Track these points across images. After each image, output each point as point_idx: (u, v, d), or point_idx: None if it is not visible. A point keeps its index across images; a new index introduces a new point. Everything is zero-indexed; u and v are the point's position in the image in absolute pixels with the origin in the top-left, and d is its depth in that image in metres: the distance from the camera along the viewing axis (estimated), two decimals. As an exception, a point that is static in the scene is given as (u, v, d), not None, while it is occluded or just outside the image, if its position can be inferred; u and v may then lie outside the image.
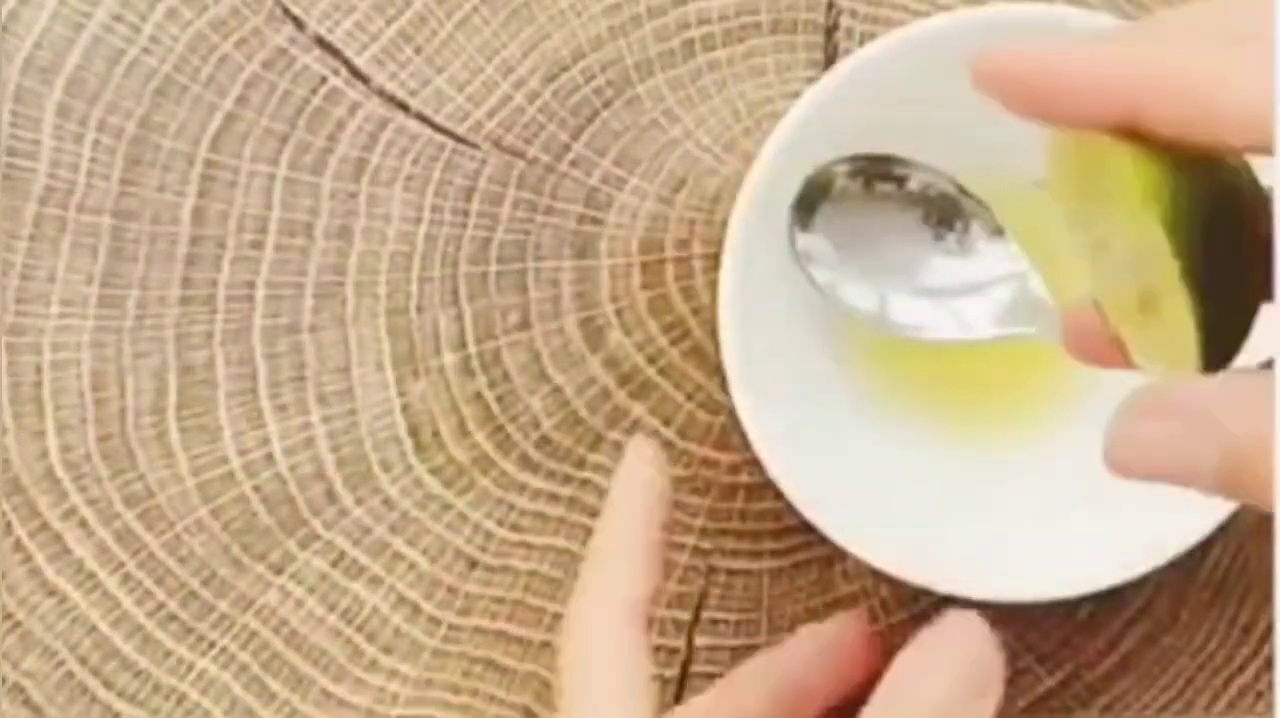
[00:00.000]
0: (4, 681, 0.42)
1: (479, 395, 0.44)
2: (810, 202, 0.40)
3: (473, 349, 0.44)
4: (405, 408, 0.44)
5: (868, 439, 0.43)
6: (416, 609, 0.43)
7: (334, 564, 0.43)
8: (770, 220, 0.40)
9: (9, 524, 0.43)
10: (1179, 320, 0.24)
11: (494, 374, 0.44)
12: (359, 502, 0.43)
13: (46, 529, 0.43)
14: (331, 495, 0.43)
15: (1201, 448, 0.23)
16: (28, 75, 0.43)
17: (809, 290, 0.41)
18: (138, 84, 0.43)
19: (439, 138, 0.44)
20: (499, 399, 0.44)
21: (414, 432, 0.44)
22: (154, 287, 0.43)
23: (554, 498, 0.44)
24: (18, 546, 0.43)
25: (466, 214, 0.44)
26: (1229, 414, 0.23)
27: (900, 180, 0.40)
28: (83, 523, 0.43)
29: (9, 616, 0.43)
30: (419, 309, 0.44)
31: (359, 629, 0.43)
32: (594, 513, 0.43)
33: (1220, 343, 0.24)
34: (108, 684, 0.43)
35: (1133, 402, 0.24)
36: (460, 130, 0.44)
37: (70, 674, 0.43)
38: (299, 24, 0.44)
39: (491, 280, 0.44)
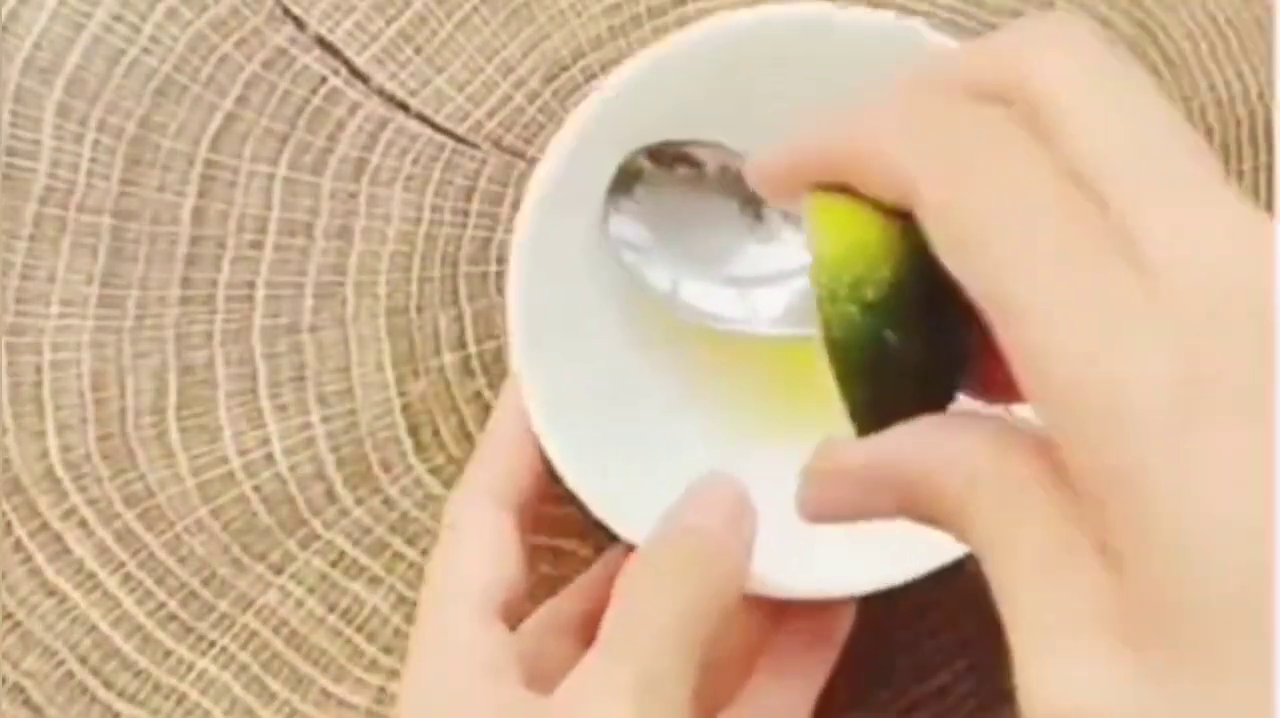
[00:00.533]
0: (4, 681, 0.42)
1: (479, 395, 0.44)
2: (626, 186, 0.40)
3: (473, 349, 0.44)
4: (405, 408, 0.44)
5: (683, 438, 0.42)
6: (417, 609, 0.43)
7: (334, 564, 0.43)
8: (570, 214, 0.40)
9: (9, 524, 0.43)
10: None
11: (494, 374, 0.44)
12: (359, 502, 0.43)
13: (46, 529, 0.43)
14: (331, 495, 0.43)
15: (876, 499, 0.26)
16: (28, 75, 0.43)
17: (620, 287, 0.40)
18: (138, 84, 0.43)
19: (439, 138, 0.44)
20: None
21: (414, 432, 0.44)
22: (154, 287, 0.43)
23: (553, 498, 0.44)
24: (18, 546, 0.43)
25: (466, 214, 0.44)
26: (899, 468, 0.25)
27: (698, 164, 0.40)
28: (83, 523, 0.43)
29: (9, 616, 0.43)
30: (419, 309, 0.44)
31: (359, 629, 0.43)
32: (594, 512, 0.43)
33: (885, 404, 0.25)
34: (108, 684, 0.43)
35: (808, 467, 0.27)
36: (460, 130, 0.44)
37: (70, 674, 0.43)
38: (299, 24, 0.44)
39: (491, 280, 0.44)
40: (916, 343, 0.25)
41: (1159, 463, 0.21)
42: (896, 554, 0.38)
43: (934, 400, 0.25)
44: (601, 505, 0.39)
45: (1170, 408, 0.21)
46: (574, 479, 0.39)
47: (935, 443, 0.25)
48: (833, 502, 0.27)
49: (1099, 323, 0.22)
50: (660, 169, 0.40)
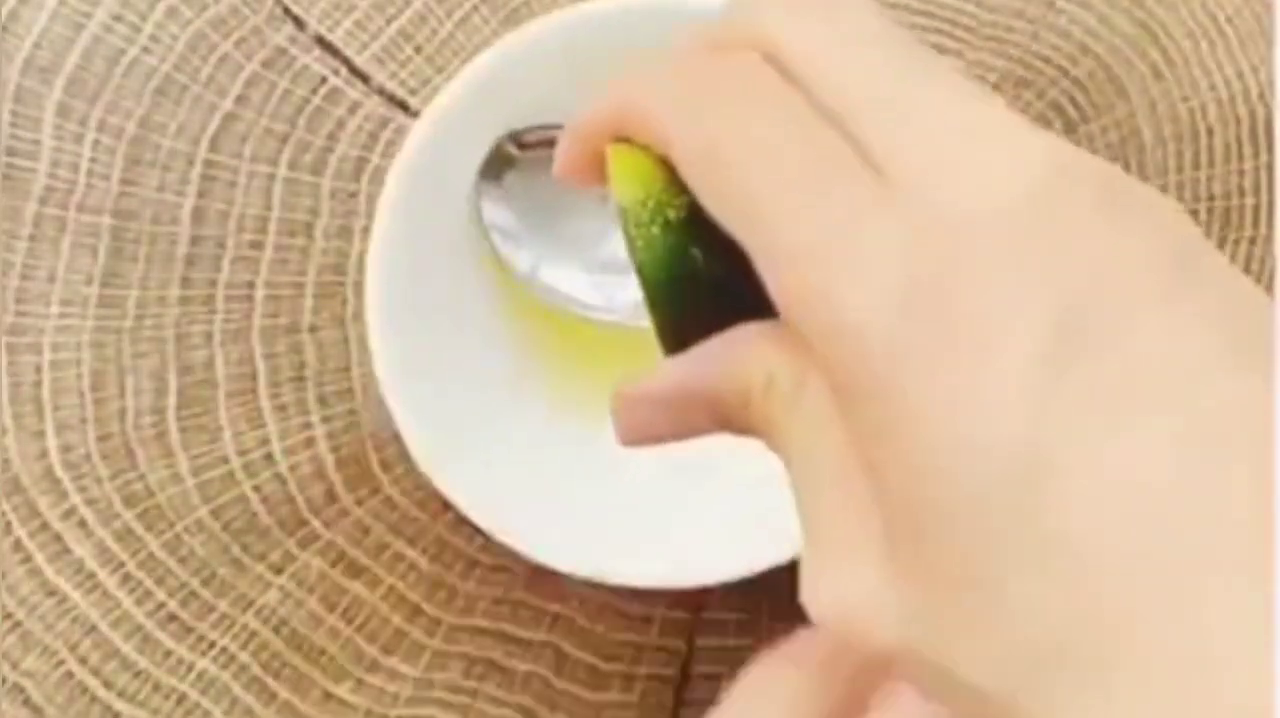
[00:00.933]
0: (4, 681, 0.42)
1: (479, 395, 0.44)
2: (496, 171, 0.40)
3: (473, 349, 0.44)
4: (405, 408, 0.43)
5: (548, 437, 0.42)
6: (417, 609, 0.43)
7: (334, 564, 0.43)
8: (433, 203, 0.40)
9: (9, 524, 0.43)
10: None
11: (494, 374, 0.44)
12: (359, 502, 0.43)
13: (46, 529, 0.43)
14: (331, 495, 0.43)
15: (691, 417, 0.26)
16: (28, 75, 0.43)
17: (485, 279, 0.41)
18: (138, 84, 0.43)
19: (439, 137, 0.44)
20: (499, 399, 0.44)
21: (414, 431, 0.43)
22: (154, 286, 0.43)
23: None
24: (18, 546, 0.43)
25: (466, 214, 0.44)
26: (706, 381, 0.25)
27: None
28: (82, 523, 0.43)
29: (9, 616, 0.43)
30: (419, 309, 0.44)
31: (359, 630, 0.43)
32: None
33: (697, 325, 0.26)
34: (107, 684, 0.43)
35: (618, 393, 0.27)
36: (460, 130, 0.44)
37: (70, 674, 0.43)
38: (299, 23, 0.44)
39: (491, 280, 0.44)
40: (722, 260, 0.25)
41: (892, 378, 0.21)
42: (757, 543, 0.39)
43: (746, 319, 0.26)
44: (474, 505, 0.40)
45: (895, 320, 0.21)
46: (435, 474, 0.40)
47: (736, 352, 0.25)
48: (649, 425, 0.27)
49: (835, 238, 0.22)
50: (528, 154, 0.40)
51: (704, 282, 0.25)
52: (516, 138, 0.40)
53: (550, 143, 0.40)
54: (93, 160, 0.43)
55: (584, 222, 0.41)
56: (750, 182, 0.23)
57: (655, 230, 0.25)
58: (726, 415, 0.25)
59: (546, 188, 0.40)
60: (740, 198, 0.23)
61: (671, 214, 0.25)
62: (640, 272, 0.26)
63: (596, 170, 0.27)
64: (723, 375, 0.25)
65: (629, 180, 0.26)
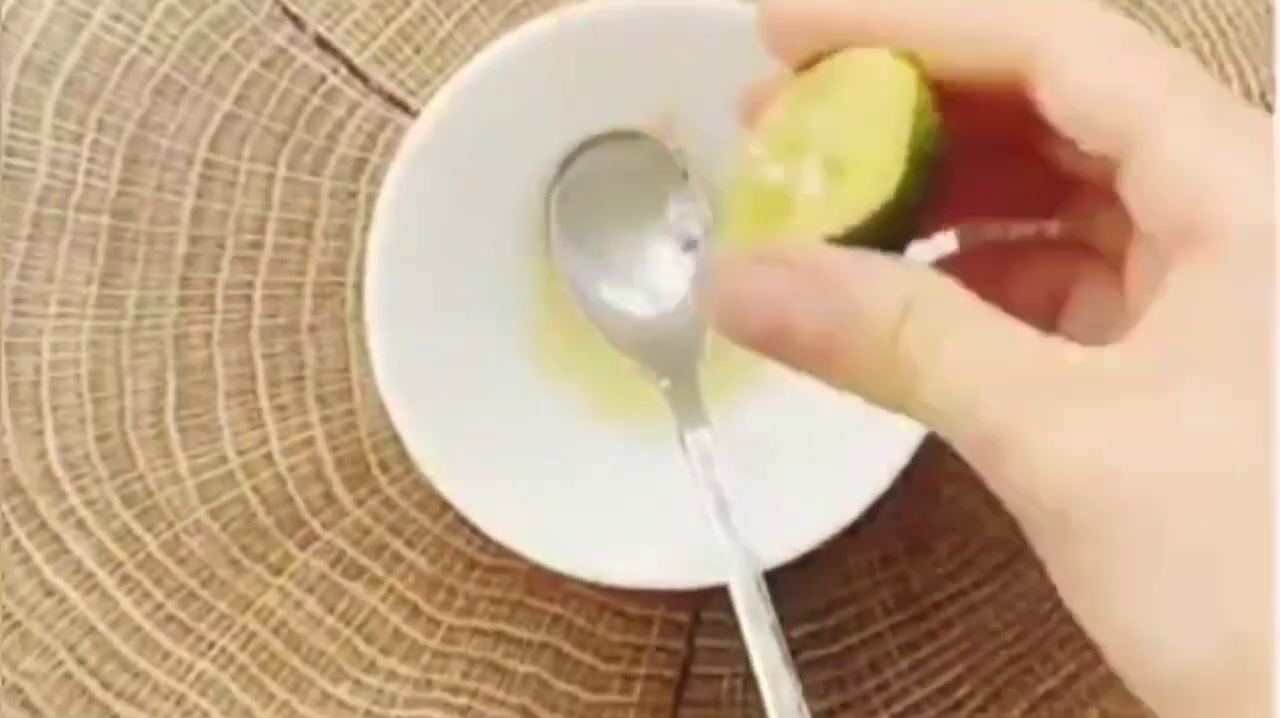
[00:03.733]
0: (3, 681, 0.42)
1: (478, 395, 0.44)
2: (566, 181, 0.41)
3: (472, 349, 0.44)
4: (404, 408, 0.43)
5: (548, 437, 0.42)
6: (416, 610, 0.43)
7: (333, 565, 0.43)
8: (427, 211, 0.40)
9: (8, 524, 0.43)
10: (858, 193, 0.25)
11: (493, 374, 0.44)
12: (358, 502, 0.43)
13: (45, 529, 0.43)
14: (330, 496, 0.43)
15: (801, 307, 0.24)
16: (26, 75, 0.43)
17: (480, 285, 0.41)
18: (137, 84, 0.43)
19: (438, 137, 0.44)
20: (498, 399, 0.44)
21: (413, 432, 0.43)
22: (153, 287, 0.43)
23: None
24: (16, 546, 0.43)
25: (466, 214, 0.44)
26: (840, 283, 0.24)
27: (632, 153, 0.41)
28: (81, 523, 0.43)
29: (8, 616, 0.42)
30: (418, 309, 0.44)
31: (358, 630, 0.43)
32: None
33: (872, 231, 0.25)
34: (106, 685, 0.43)
35: (724, 258, 0.25)
36: (460, 130, 0.44)
37: (69, 675, 0.42)
38: (298, 23, 0.44)
39: (491, 280, 0.44)
40: (933, 180, 0.25)
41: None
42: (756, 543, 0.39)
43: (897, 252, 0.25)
44: (474, 505, 0.40)
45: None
46: (432, 474, 0.40)
47: (876, 267, 0.24)
48: (753, 295, 0.24)
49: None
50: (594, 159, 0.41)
51: (925, 188, 0.25)
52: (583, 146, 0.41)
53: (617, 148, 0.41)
54: (91, 160, 0.43)
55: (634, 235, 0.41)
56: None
57: (937, 115, 0.25)
58: (852, 322, 0.24)
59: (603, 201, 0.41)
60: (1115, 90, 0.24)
61: (938, 116, 0.25)
62: (913, 136, 0.25)
63: (801, 43, 0.26)
64: (861, 283, 0.24)
65: (923, 109, 0.25)
